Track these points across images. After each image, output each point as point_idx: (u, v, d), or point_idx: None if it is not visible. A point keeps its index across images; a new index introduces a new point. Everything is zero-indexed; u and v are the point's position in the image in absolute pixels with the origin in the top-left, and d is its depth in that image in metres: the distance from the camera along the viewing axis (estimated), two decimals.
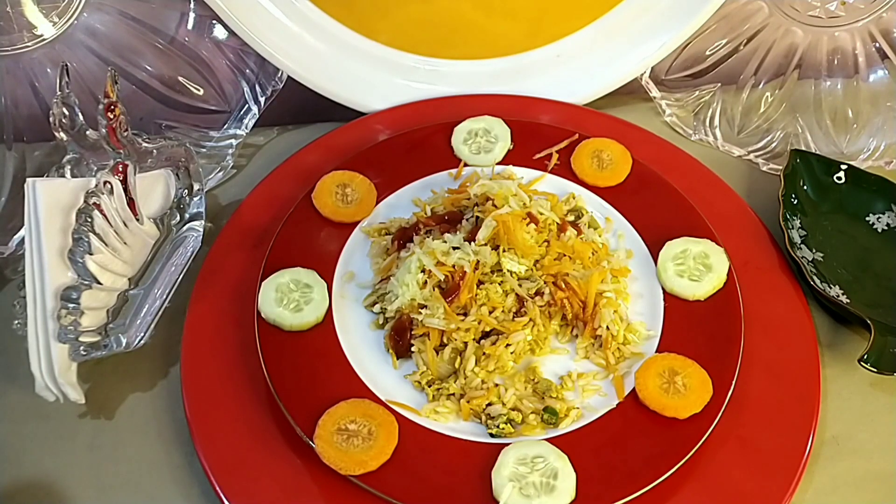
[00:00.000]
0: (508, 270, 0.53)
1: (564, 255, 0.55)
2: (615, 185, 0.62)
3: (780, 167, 0.65)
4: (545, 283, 0.53)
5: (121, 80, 0.61)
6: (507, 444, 0.46)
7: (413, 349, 0.51)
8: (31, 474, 0.48)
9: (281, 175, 0.64)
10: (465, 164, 0.64)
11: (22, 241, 0.59)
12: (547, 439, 0.47)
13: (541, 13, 0.70)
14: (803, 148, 0.68)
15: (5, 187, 0.63)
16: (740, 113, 0.71)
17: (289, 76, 0.70)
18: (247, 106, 0.71)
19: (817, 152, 0.66)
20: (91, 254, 0.49)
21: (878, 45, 0.69)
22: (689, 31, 0.69)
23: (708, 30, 0.71)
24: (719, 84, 0.73)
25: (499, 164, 0.64)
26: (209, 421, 0.48)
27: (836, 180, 0.64)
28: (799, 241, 0.60)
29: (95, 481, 0.48)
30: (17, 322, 0.50)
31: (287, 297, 0.52)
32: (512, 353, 0.51)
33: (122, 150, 0.59)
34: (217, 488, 0.45)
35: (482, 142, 0.65)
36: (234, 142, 0.69)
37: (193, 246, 0.56)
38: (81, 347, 0.48)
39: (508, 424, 0.48)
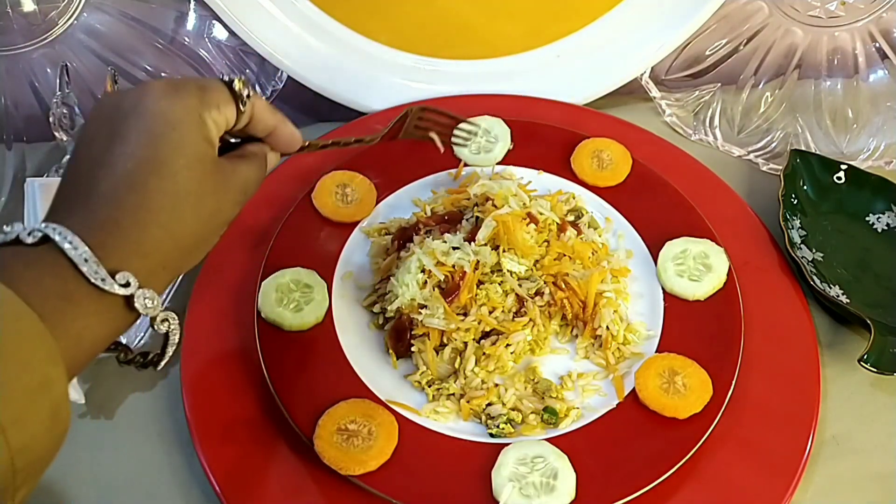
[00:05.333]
0: (508, 270, 0.53)
1: (564, 255, 0.55)
2: (615, 185, 0.62)
3: (780, 167, 0.65)
4: (545, 283, 0.53)
5: (121, 80, 0.61)
6: (507, 444, 0.46)
7: (413, 349, 0.51)
8: None
9: (281, 175, 0.64)
10: (465, 164, 0.64)
11: None
12: (547, 439, 0.47)
13: (541, 13, 0.70)
14: (803, 148, 0.67)
15: (5, 187, 0.63)
16: (740, 113, 0.71)
17: (289, 76, 0.70)
18: None
19: (817, 152, 0.66)
20: None
21: (878, 45, 0.69)
22: (689, 31, 0.69)
23: (708, 30, 0.71)
24: (719, 84, 0.73)
25: (499, 164, 0.64)
26: (209, 421, 0.48)
27: (836, 180, 0.64)
28: (799, 241, 0.60)
29: (95, 481, 0.48)
30: None
31: (287, 297, 0.52)
32: (512, 353, 0.51)
33: None
34: (217, 488, 0.45)
35: (482, 142, 0.65)
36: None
37: None
38: None
39: (508, 424, 0.48)
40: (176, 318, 0.36)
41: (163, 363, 0.37)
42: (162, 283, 0.35)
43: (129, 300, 0.33)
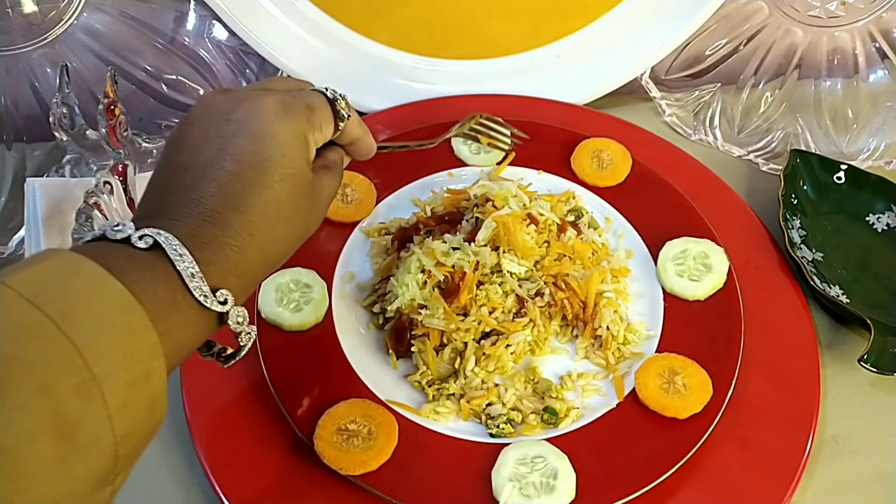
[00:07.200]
0: (508, 271, 0.53)
1: (564, 256, 0.55)
2: (615, 185, 0.62)
3: (780, 167, 0.65)
4: (545, 283, 0.53)
5: (121, 80, 0.61)
6: (507, 444, 0.46)
7: (413, 349, 0.51)
8: None
9: None
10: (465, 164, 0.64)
11: (22, 241, 0.59)
12: (547, 439, 0.47)
13: (541, 13, 0.70)
14: (803, 148, 0.68)
15: (5, 187, 0.63)
16: (740, 113, 0.71)
17: (289, 76, 0.70)
18: None
19: (817, 152, 0.66)
20: None
21: (878, 45, 0.69)
22: (689, 31, 0.69)
23: (708, 30, 0.71)
24: (719, 84, 0.73)
25: (499, 164, 0.64)
26: (209, 421, 0.48)
27: (836, 180, 0.64)
28: (799, 241, 0.60)
29: None
30: None
31: (287, 297, 0.52)
32: (512, 353, 0.51)
33: (122, 150, 0.59)
34: (217, 488, 0.45)
35: None
36: None
37: None
38: None
39: (508, 424, 0.48)
40: (255, 330, 0.37)
41: (230, 363, 0.38)
42: (246, 297, 0.36)
43: (221, 316, 0.34)
